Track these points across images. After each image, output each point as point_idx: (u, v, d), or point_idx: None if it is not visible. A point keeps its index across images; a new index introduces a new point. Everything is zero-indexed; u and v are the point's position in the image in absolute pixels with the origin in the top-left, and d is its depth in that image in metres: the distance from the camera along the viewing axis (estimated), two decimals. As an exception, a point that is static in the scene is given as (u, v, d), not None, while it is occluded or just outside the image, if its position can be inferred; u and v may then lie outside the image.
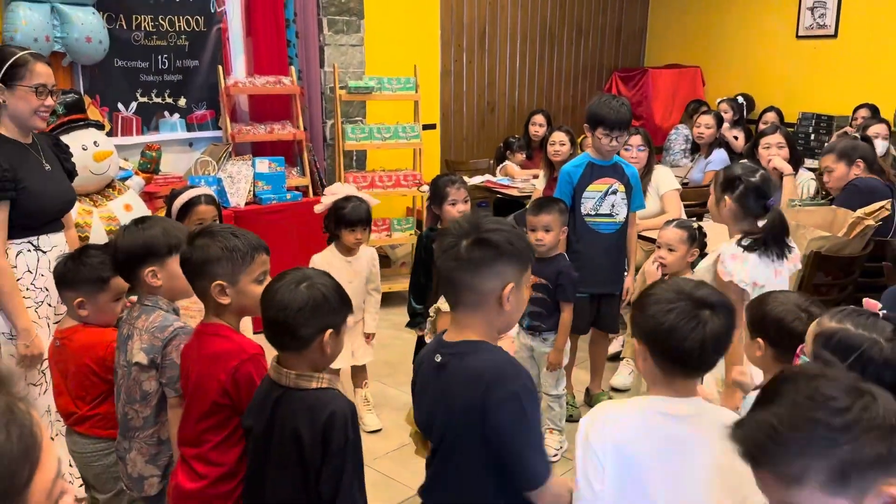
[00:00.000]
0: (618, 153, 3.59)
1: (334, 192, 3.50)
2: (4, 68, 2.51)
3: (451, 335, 1.68)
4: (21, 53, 2.57)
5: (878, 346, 1.61)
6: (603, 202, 3.48)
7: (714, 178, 2.74)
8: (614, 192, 3.49)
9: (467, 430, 1.59)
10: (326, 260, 3.41)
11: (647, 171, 4.35)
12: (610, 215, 3.50)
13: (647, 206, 4.13)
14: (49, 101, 2.61)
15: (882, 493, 1.11)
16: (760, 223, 2.60)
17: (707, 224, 3.95)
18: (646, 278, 2.97)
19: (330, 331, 1.73)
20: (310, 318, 1.70)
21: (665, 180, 4.40)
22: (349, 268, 3.43)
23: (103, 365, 2.25)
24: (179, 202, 2.98)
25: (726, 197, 2.60)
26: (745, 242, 2.54)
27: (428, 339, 2.89)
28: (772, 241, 2.54)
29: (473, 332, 1.64)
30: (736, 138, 5.66)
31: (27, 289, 2.63)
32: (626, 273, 3.65)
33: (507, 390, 1.56)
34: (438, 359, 1.65)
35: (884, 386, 1.61)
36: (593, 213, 3.49)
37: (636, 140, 4.29)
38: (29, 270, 2.64)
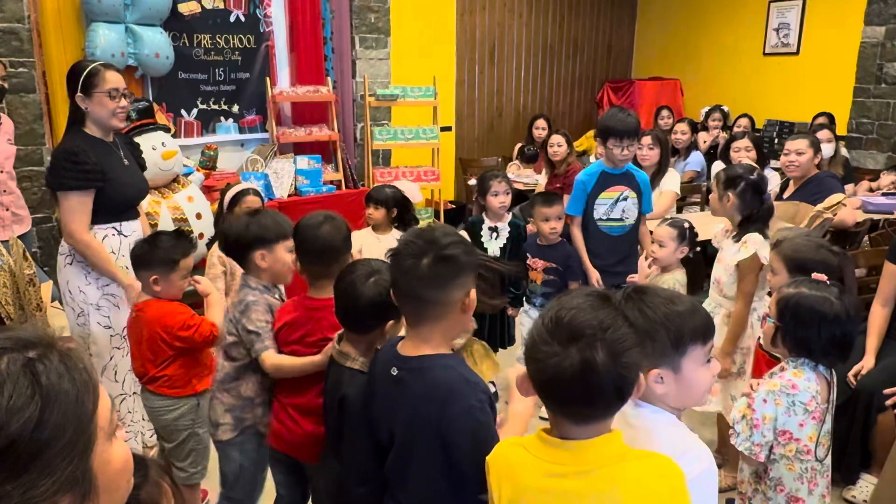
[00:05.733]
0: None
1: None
2: (81, 80, 2.51)
3: (407, 349, 1.48)
4: (93, 65, 2.55)
5: (828, 302, 1.67)
6: (614, 208, 3.26)
7: (716, 176, 2.73)
8: (625, 199, 3.24)
9: (425, 440, 1.43)
10: (361, 235, 3.38)
11: (659, 170, 4.21)
12: (620, 220, 3.26)
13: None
14: (123, 103, 2.59)
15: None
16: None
17: (693, 216, 3.91)
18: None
19: (392, 321, 1.70)
20: (377, 311, 1.66)
21: (670, 182, 4.30)
22: (378, 245, 3.30)
23: (170, 333, 2.24)
24: (231, 193, 3.00)
25: (729, 193, 2.60)
26: (761, 233, 2.61)
27: None
28: (765, 226, 2.62)
29: (431, 346, 1.46)
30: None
31: None
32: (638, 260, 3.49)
33: (461, 406, 1.39)
34: (395, 372, 1.48)
35: (834, 339, 1.69)
36: (605, 217, 3.25)
37: (646, 140, 4.17)
38: (112, 251, 2.64)
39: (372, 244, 3.31)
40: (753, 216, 2.61)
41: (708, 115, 6.09)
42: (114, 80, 2.55)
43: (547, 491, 1.13)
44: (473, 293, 1.46)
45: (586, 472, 1.11)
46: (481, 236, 3.29)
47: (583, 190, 3.28)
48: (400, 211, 3.32)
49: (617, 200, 3.28)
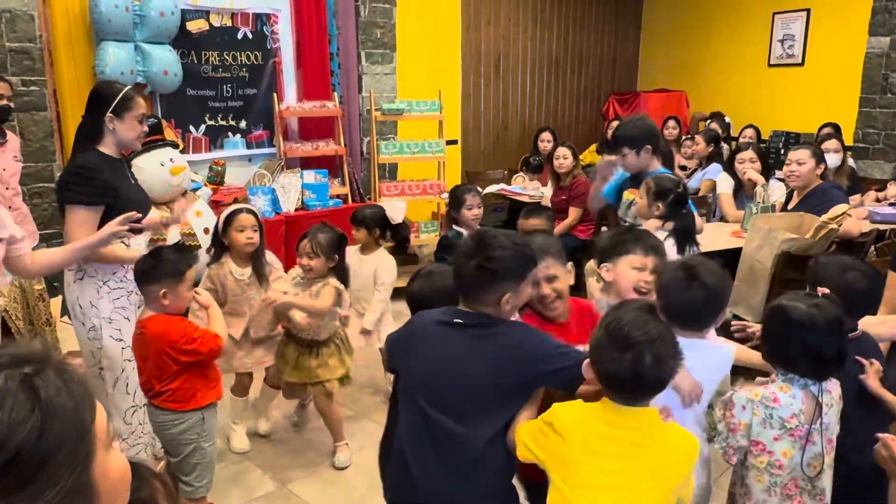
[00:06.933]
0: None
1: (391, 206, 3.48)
2: (116, 101, 2.57)
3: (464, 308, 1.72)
4: (127, 88, 2.63)
5: (798, 310, 1.69)
6: (628, 211, 3.32)
7: (646, 184, 2.95)
8: (634, 204, 3.29)
9: (497, 384, 1.61)
10: (351, 251, 3.40)
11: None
12: (634, 225, 3.25)
13: None
14: (145, 127, 2.70)
15: None
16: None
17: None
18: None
19: None
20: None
21: None
22: (359, 264, 3.33)
23: (175, 347, 2.26)
24: (226, 212, 3.06)
25: (659, 203, 2.88)
26: (665, 233, 2.81)
27: None
28: (682, 234, 2.82)
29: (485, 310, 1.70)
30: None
31: (121, 280, 2.66)
32: None
33: (548, 340, 1.68)
34: (460, 320, 1.67)
35: (807, 349, 1.70)
36: (623, 219, 3.38)
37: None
38: (122, 265, 2.68)
39: (355, 263, 3.31)
40: (682, 228, 2.83)
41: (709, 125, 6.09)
42: (143, 105, 2.66)
43: (608, 437, 1.49)
44: (519, 292, 1.67)
45: (636, 428, 1.49)
46: None
47: (616, 182, 3.47)
48: (385, 230, 3.37)
49: (630, 204, 3.32)
